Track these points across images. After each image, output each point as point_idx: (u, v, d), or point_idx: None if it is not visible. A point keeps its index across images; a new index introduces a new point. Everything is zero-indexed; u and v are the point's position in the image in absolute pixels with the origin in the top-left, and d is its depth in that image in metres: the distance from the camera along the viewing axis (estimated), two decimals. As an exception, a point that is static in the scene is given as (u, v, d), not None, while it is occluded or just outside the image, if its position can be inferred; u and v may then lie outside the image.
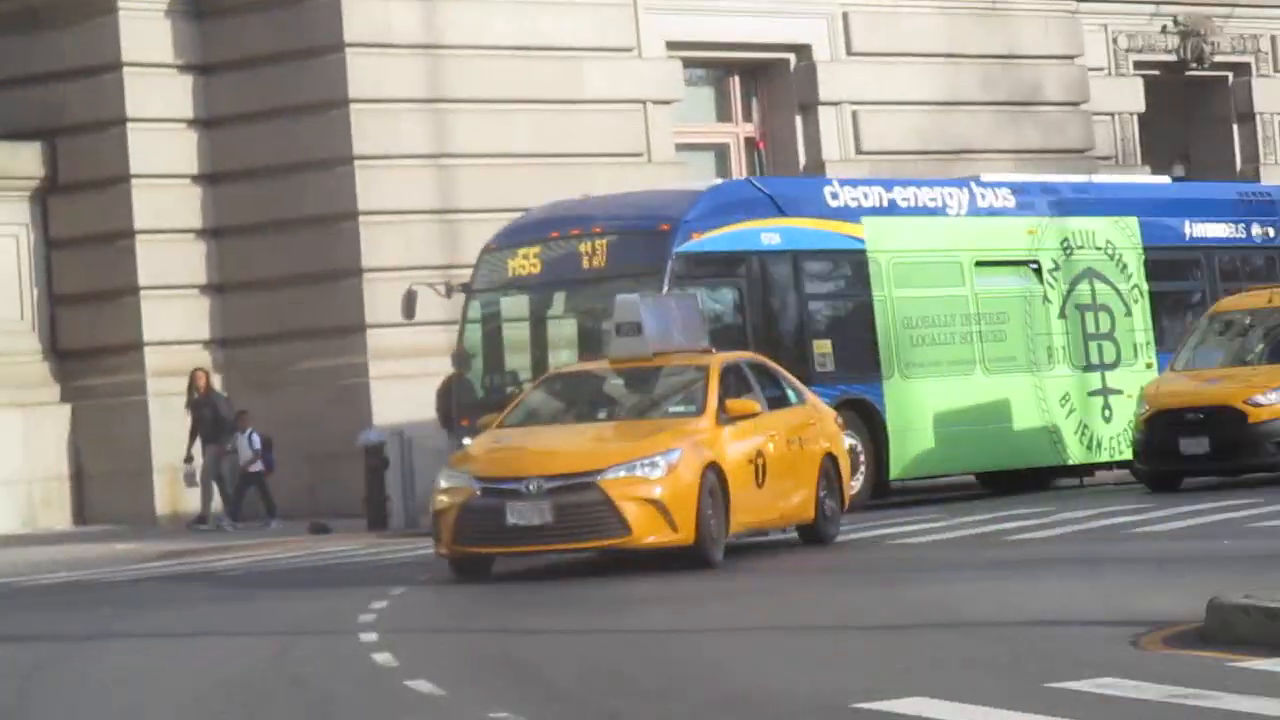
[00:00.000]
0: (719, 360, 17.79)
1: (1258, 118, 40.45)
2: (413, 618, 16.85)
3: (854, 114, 34.09)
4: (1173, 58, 39.82)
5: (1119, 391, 26.65)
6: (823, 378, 23.31)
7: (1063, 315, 26.62)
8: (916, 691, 8.44)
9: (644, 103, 32.61)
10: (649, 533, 15.16)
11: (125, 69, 30.21)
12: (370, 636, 13.62)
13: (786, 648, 11.50)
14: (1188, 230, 28.70)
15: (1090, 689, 9.01)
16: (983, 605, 14.54)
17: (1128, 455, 26.70)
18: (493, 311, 24.11)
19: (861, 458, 23.28)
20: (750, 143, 34.44)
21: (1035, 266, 26.65)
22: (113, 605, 19.66)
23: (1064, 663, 10.41)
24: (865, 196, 25.50)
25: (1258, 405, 22.26)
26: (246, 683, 11.74)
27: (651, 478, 15.39)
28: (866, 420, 23.83)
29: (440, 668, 11.58)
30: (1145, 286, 27.75)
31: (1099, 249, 27.24)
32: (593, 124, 32.14)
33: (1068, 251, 26.94)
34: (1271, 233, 29.76)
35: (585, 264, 22.92)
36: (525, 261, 23.17)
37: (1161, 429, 21.73)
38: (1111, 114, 38.18)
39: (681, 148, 33.42)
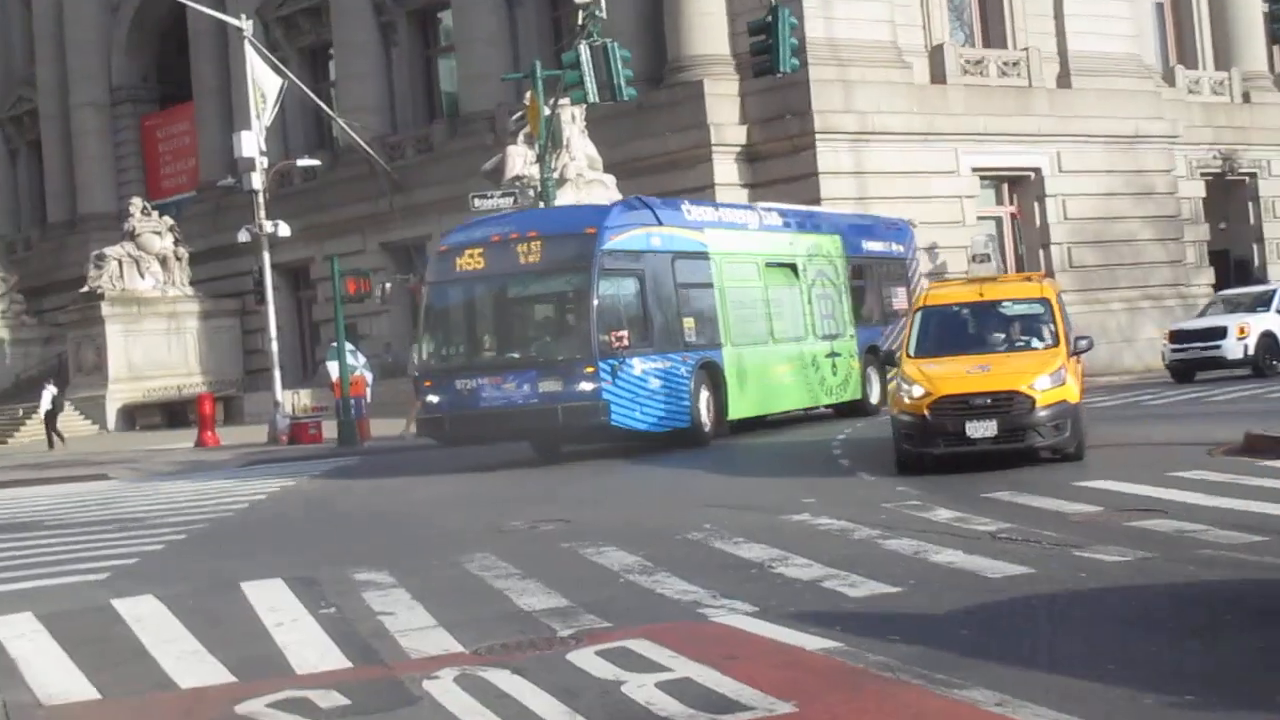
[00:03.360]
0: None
1: None
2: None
3: (1063, 201, 44.96)
4: None
5: (839, 354, 30.24)
6: (689, 345, 25.57)
7: (809, 302, 29.59)
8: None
9: (960, 198, 43.70)
10: None
11: (716, 188, 40.09)
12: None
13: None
14: (864, 245, 32.76)
15: (1194, 475, 16.35)
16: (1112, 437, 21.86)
17: (847, 398, 30.77)
18: (445, 297, 25.26)
19: (712, 403, 25.79)
20: (1013, 216, 45.86)
21: (793, 267, 29.52)
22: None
23: (1175, 462, 17.66)
24: (705, 213, 28.02)
25: (1037, 391, 18.18)
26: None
27: None
28: (714, 377, 25.87)
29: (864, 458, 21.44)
30: (847, 283, 31.35)
31: (824, 256, 30.64)
32: (936, 210, 42.21)
33: (809, 257, 30.07)
34: (902, 249, 35.14)
35: (523, 260, 23.92)
36: (471, 259, 24.18)
37: (949, 414, 17.85)
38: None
39: (979, 219, 44.39)
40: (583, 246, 23.68)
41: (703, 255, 26.62)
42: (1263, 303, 37.89)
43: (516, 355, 24.29)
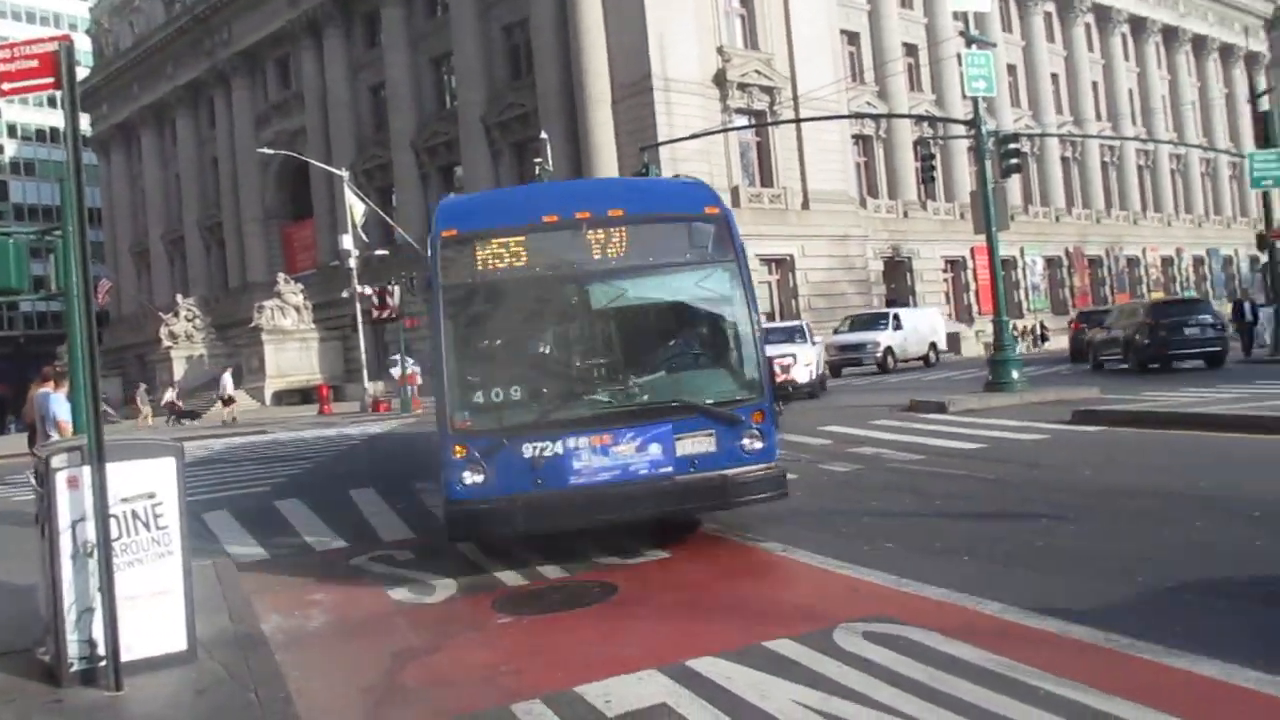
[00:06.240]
0: None
1: None
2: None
3: (806, 273, 41.68)
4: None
5: None
6: None
7: None
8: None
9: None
10: None
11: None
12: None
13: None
14: None
15: (883, 423, 14.99)
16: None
17: None
18: (477, 313, 7.54)
19: None
20: (777, 282, 40.98)
21: None
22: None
23: (872, 416, 16.58)
24: None
25: None
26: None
27: None
28: None
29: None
30: None
31: None
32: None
33: None
34: None
35: (599, 253, 7.37)
36: (507, 251, 7.37)
37: None
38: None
39: (760, 283, 38.30)
40: (713, 235, 7.71)
41: None
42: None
43: (624, 402, 7.31)
